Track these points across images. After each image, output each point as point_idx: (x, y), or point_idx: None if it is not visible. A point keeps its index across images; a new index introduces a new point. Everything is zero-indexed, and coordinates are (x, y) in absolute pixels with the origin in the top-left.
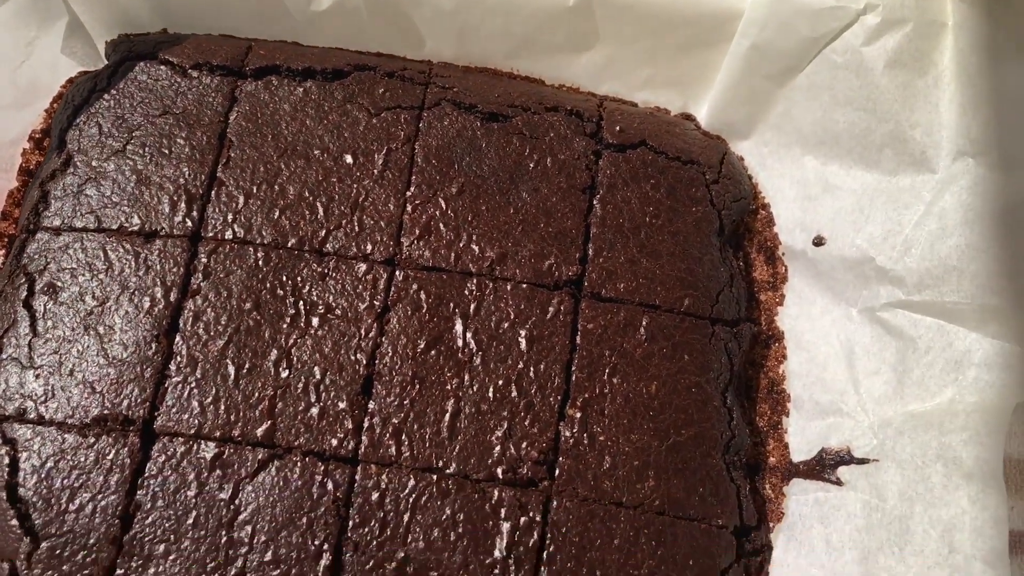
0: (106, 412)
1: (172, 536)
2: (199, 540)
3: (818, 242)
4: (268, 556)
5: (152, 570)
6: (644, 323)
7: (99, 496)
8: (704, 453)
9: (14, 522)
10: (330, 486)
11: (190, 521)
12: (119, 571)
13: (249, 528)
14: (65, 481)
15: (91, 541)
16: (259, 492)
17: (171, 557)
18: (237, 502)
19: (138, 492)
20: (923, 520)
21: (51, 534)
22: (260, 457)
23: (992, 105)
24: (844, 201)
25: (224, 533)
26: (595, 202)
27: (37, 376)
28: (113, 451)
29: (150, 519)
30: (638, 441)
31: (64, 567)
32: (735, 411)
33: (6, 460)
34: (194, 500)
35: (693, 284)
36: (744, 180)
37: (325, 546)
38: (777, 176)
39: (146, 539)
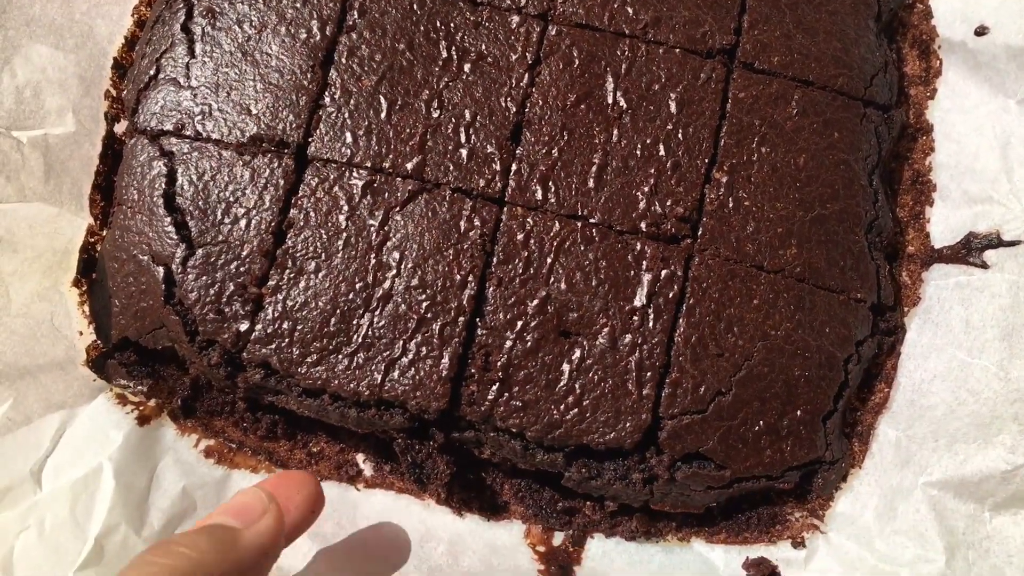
0: (262, 133)
1: (323, 254)
2: (349, 260)
3: (980, 31)
4: (415, 281)
5: (303, 283)
6: (796, 97)
7: (253, 211)
8: (848, 229)
9: (171, 228)
10: (477, 222)
11: (340, 242)
12: (271, 282)
13: (397, 254)
14: (221, 194)
15: (244, 252)
16: (408, 220)
17: (321, 273)
18: (387, 228)
19: (291, 211)
20: None
21: (206, 242)
22: (410, 188)
23: None
24: None
25: (373, 256)
26: None
27: (195, 95)
28: (268, 170)
29: (302, 236)
30: (783, 209)
31: (217, 274)
32: (880, 194)
33: (164, 171)
34: (345, 223)
35: (848, 64)
36: None
37: (470, 277)
38: None
39: (298, 254)
